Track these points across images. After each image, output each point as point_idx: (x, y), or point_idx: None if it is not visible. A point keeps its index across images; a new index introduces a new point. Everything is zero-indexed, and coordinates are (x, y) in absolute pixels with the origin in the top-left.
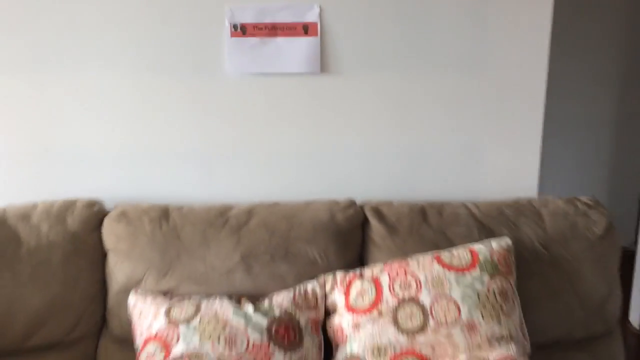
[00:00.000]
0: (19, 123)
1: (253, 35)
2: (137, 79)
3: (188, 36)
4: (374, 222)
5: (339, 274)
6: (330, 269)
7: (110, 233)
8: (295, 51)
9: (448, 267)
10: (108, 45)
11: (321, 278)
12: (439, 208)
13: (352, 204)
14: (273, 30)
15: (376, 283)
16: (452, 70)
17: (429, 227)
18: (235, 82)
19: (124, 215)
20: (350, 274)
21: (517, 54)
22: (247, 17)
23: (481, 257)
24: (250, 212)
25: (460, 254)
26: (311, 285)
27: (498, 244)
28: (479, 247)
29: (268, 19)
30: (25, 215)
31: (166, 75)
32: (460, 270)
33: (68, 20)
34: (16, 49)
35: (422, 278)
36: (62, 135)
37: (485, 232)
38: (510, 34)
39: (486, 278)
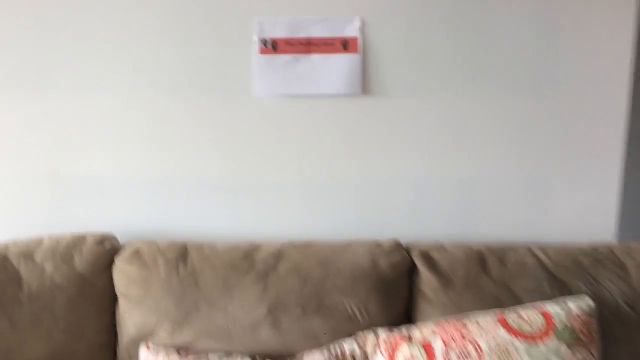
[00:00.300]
0: (27, 147)
1: (285, 52)
2: (155, 101)
3: (212, 54)
4: (423, 270)
5: (382, 334)
6: (372, 325)
7: (122, 276)
8: (334, 70)
9: (516, 333)
10: (123, 65)
11: (361, 337)
12: (501, 255)
13: (397, 247)
14: (308, 46)
15: (428, 349)
16: (516, 91)
17: (490, 279)
18: (265, 104)
19: (137, 255)
20: (396, 334)
21: (593, 73)
22: (279, 32)
23: (557, 323)
24: (279, 255)
25: (530, 317)
26: (349, 346)
27: (577, 306)
28: (554, 310)
29: (302, 34)
30: (29, 253)
31: (187, 97)
32: (531, 338)
33: (81, 38)
34: (25, 69)
35: (484, 346)
36: (73, 161)
37: (558, 286)
38: (586, 50)
39: (564, 349)
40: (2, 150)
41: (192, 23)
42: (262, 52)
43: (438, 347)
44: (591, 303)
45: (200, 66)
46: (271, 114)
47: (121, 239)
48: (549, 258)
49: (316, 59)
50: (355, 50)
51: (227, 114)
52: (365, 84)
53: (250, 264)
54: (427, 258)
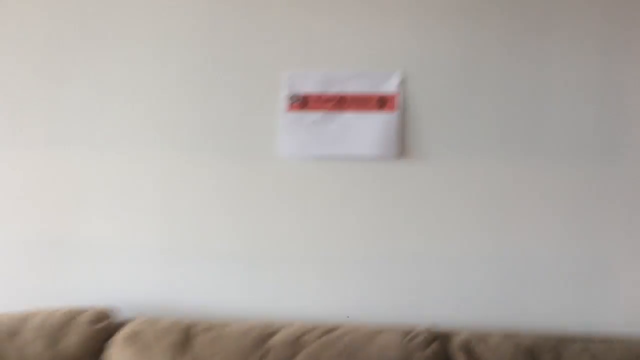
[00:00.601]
0: (31, 209)
1: (315, 108)
2: (166, 160)
3: (233, 109)
4: None
5: None
6: None
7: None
8: (368, 130)
9: None
10: (134, 120)
11: None
12: (555, 349)
13: (432, 337)
14: (341, 102)
15: None
16: (573, 156)
17: None
18: (290, 166)
19: (135, 337)
20: None
21: None
22: (310, 86)
23: None
24: (297, 343)
25: None
26: None
27: None
28: None
29: (335, 89)
30: (14, 330)
31: (202, 156)
32: None
33: (92, 89)
34: (30, 125)
35: None
36: (78, 225)
37: None
38: None
39: None
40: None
41: (214, 76)
42: (290, 108)
43: None
44: None
45: (219, 122)
46: (296, 177)
47: (123, 312)
48: (611, 353)
49: (349, 117)
50: (392, 108)
51: (246, 175)
52: (401, 145)
53: (263, 354)
54: (468, 351)
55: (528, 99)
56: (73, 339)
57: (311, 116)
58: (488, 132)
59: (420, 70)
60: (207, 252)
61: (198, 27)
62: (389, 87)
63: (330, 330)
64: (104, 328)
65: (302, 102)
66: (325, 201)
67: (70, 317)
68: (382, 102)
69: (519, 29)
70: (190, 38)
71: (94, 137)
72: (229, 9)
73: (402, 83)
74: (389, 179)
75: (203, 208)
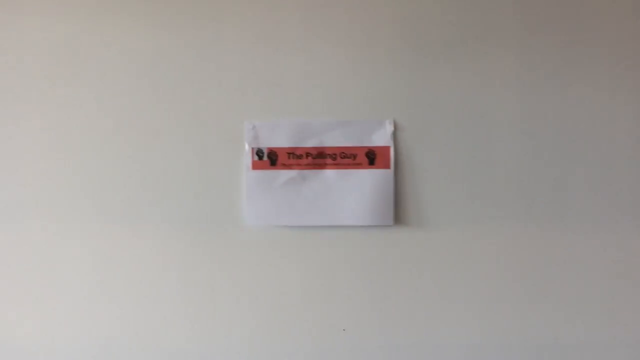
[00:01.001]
0: None
1: (287, 166)
2: (99, 235)
3: (185, 168)
4: None
5: None
6: None
7: None
8: (355, 191)
9: None
10: (62, 186)
11: None
12: None
13: None
14: (320, 158)
15: None
16: (601, 227)
17: None
18: (257, 238)
19: None
20: None
21: None
22: (279, 139)
23: None
24: None
25: None
26: None
27: None
28: None
29: (312, 141)
30: None
31: (147, 230)
32: None
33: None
34: None
35: None
36: (4, 324)
37: None
38: None
39: None
40: None
41: (160, 126)
42: (256, 166)
43: None
44: None
45: (167, 184)
46: (265, 251)
47: None
48: None
49: (331, 175)
50: (385, 165)
51: (203, 250)
52: (397, 210)
53: None
54: None
55: (550, 155)
56: None
57: (283, 175)
58: (506, 191)
59: (415, 118)
60: (151, 350)
61: (141, 68)
62: (380, 138)
63: None
64: None
65: (270, 158)
66: (302, 281)
67: None
68: (372, 157)
69: (536, 64)
70: (130, 79)
71: (6, 207)
72: (180, 45)
73: (396, 133)
74: (381, 253)
75: (145, 294)
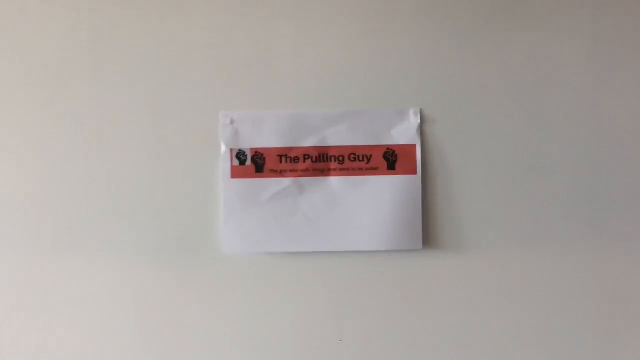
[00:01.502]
0: None
1: (279, 173)
2: (30, 268)
3: (144, 177)
4: None
5: None
6: None
7: None
8: (370, 206)
9: None
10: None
11: None
12: None
13: None
14: (322, 162)
15: None
16: None
17: None
18: (238, 271)
19: None
20: None
21: None
22: (267, 136)
23: None
24: None
25: None
26: None
27: None
28: None
29: (311, 140)
30: None
31: (97, 260)
32: None
33: None
34: None
35: None
36: None
37: None
38: None
39: None
40: None
41: (107, 122)
42: (235, 173)
43: None
44: None
45: (117, 200)
46: (249, 288)
47: None
48: None
49: (337, 185)
50: (410, 169)
51: (165, 289)
52: (427, 229)
53: None
54: None
55: (628, 162)
56: None
57: (272, 185)
58: (562, 208)
59: (449, 107)
60: None
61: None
62: (403, 133)
63: None
64: None
65: (255, 163)
66: (298, 328)
67: None
68: (391, 159)
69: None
70: (70, 64)
71: None
72: (127, 13)
73: (423, 125)
74: (405, 286)
75: (98, 331)
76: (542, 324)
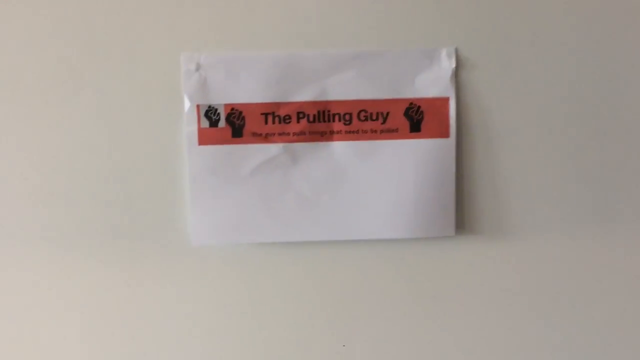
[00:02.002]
0: None
1: (264, 138)
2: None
3: (79, 150)
4: None
5: None
6: None
7: None
8: (387, 180)
9: None
10: None
11: None
12: None
13: None
14: (322, 122)
15: None
16: None
17: None
18: (211, 266)
19: None
20: None
21: None
22: (248, 87)
23: None
24: None
25: None
26: None
27: None
28: None
29: (308, 92)
30: None
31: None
32: None
33: None
34: None
35: None
36: None
37: None
38: None
39: None
40: None
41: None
42: (205, 138)
43: None
44: None
45: (56, 176)
46: (225, 287)
47: None
48: None
49: (342, 152)
50: (441, 131)
51: (122, 283)
52: (461, 210)
53: None
54: None
55: None
56: None
57: (254, 153)
58: (630, 186)
59: (493, 46)
60: None
61: None
62: (431, 82)
63: None
64: None
65: (231, 124)
66: (287, 334)
67: None
68: (416, 117)
69: None
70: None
71: None
72: None
73: (459, 70)
74: (435, 281)
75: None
76: (608, 324)
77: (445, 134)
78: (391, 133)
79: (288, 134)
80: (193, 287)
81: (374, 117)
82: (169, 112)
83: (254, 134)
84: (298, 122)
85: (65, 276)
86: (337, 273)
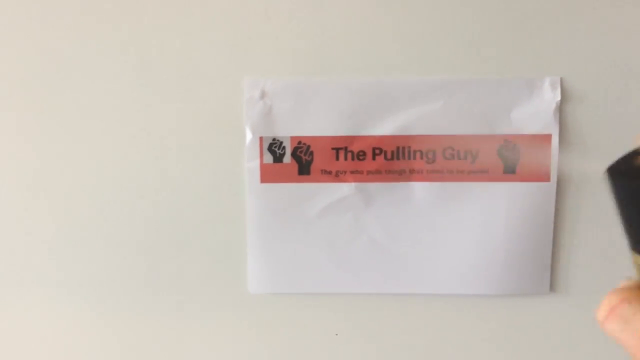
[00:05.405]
0: None
1: (334, 176)
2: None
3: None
4: None
5: None
6: None
7: None
8: (475, 227)
9: None
10: None
11: None
12: None
13: None
14: (401, 160)
15: None
16: None
17: None
18: (272, 316)
19: None
20: None
21: None
22: (316, 120)
23: None
24: None
25: None
26: None
27: None
28: None
29: (385, 126)
30: None
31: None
32: None
33: None
34: None
35: None
36: None
37: None
38: None
39: None
40: None
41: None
42: (267, 175)
43: None
44: None
45: (92, 215)
46: (287, 340)
47: None
48: None
49: (423, 194)
50: (540, 173)
51: (173, 334)
52: (558, 265)
53: None
54: None
55: None
56: None
57: (324, 193)
58: None
59: (600, 81)
60: None
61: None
62: (530, 117)
63: None
64: None
65: (297, 159)
66: None
67: None
68: (511, 157)
69: None
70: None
71: None
72: None
73: (564, 105)
74: (528, 344)
75: None
76: None
77: (545, 177)
78: (481, 174)
79: (362, 172)
80: (249, 336)
81: (462, 156)
82: (227, 145)
83: (323, 172)
84: (374, 159)
85: (116, 325)
86: (413, 330)
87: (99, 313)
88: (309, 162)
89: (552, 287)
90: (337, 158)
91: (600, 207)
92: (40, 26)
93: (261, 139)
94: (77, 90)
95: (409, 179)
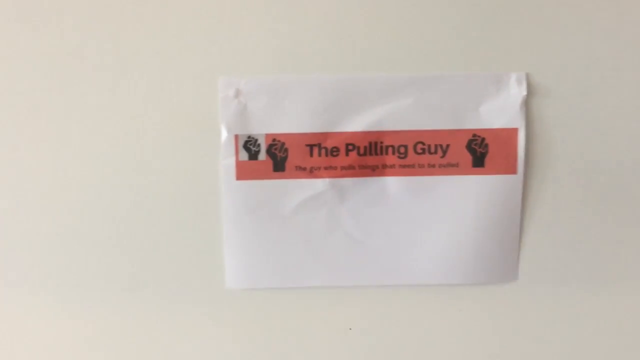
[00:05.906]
0: None
1: (309, 172)
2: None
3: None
4: None
5: None
6: None
7: None
8: (445, 220)
9: None
10: None
11: None
12: None
13: None
14: (374, 155)
15: None
16: None
17: None
18: (249, 311)
19: None
20: None
21: None
22: (290, 118)
23: None
24: None
25: None
26: None
27: None
28: None
29: (358, 121)
30: None
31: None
32: None
33: None
34: None
35: None
36: None
37: None
38: None
39: None
40: None
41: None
42: (243, 172)
43: None
44: None
45: (75, 207)
46: (263, 335)
47: None
48: None
49: (396, 189)
50: (507, 166)
51: (159, 325)
52: (526, 254)
53: None
54: None
55: None
56: None
57: (298, 189)
58: None
59: (565, 76)
60: None
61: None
62: (497, 112)
63: None
64: None
65: (272, 156)
66: None
67: None
68: (479, 150)
69: None
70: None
71: None
72: None
73: (530, 99)
74: (496, 334)
75: None
76: None
77: (512, 169)
78: (451, 168)
79: (335, 168)
80: (227, 331)
81: (432, 150)
82: (203, 143)
83: (298, 168)
84: (347, 154)
85: (92, 321)
86: (388, 320)
87: (75, 311)
88: (284, 159)
89: (520, 275)
90: (312, 154)
91: (565, 198)
92: (21, 27)
93: (236, 136)
94: (52, 90)
95: (381, 174)
